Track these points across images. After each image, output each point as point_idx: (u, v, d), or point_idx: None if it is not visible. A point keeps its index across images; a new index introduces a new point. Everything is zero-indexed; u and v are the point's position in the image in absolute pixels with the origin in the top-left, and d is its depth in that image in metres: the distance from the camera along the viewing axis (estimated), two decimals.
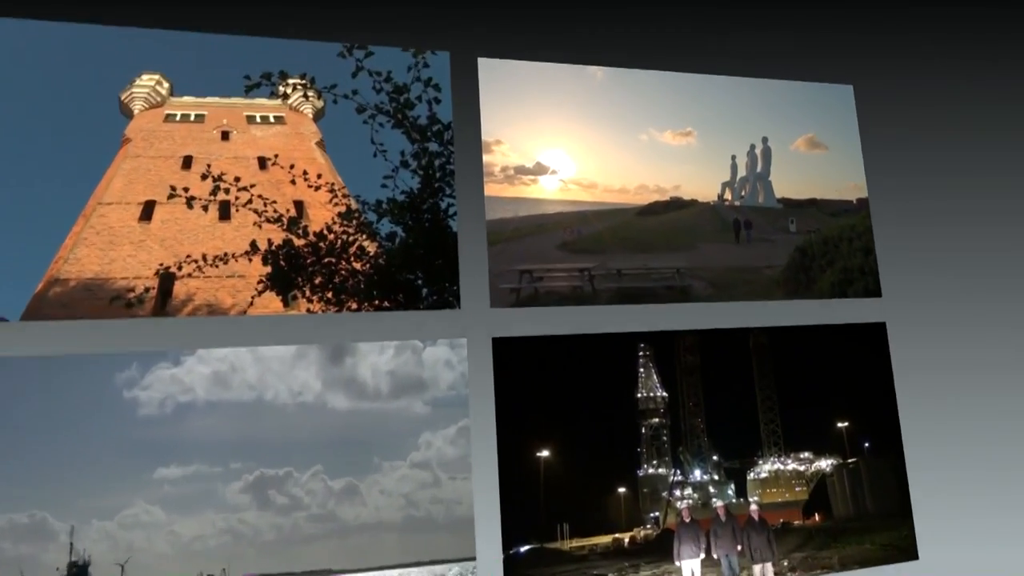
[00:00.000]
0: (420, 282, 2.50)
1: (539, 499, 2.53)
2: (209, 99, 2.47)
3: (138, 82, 2.41)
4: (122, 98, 2.38)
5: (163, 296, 2.30)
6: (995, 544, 2.82)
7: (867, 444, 2.88)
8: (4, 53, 2.18)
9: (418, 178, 2.55)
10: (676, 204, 2.60)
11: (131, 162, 2.42)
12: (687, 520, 2.62)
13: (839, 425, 2.85)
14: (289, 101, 2.43)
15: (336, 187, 2.51)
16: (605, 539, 2.54)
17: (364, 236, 2.47)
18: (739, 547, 2.64)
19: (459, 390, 2.41)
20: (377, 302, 2.43)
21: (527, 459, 2.49)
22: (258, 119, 2.51)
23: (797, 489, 2.50)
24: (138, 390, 2.20)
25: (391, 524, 2.31)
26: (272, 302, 2.41)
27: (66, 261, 2.27)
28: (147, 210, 2.39)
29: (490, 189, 2.39)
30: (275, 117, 2.53)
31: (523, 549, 2.41)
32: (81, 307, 2.24)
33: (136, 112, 2.42)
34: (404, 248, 2.49)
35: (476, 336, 2.53)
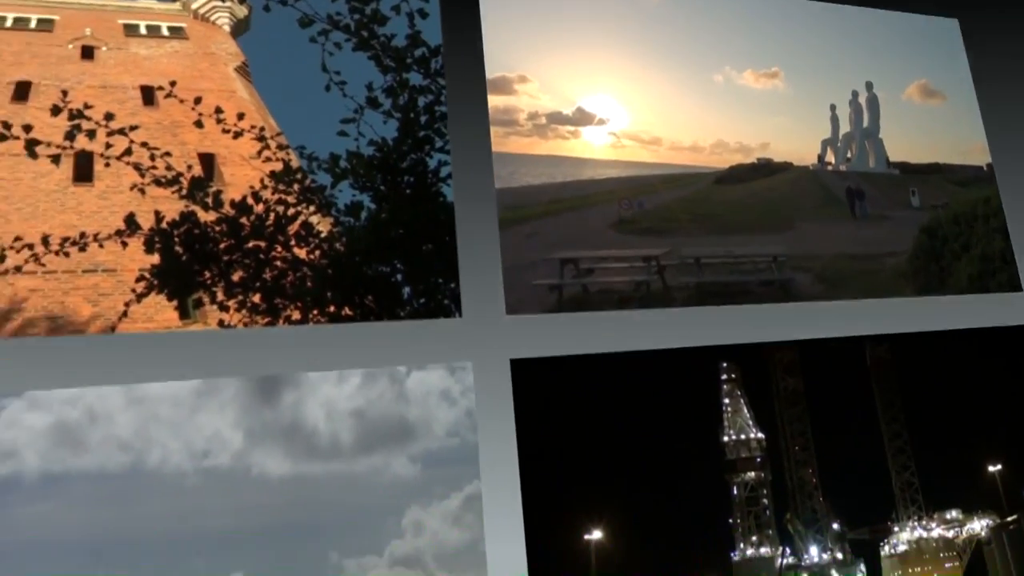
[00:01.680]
0: (400, 277, 1.41)
1: None
2: None
3: None
4: None
5: None
6: None
7: None
8: None
9: (394, 123, 1.45)
10: (766, 168, 1.70)
11: None
12: None
13: (990, 469, 1.68)
14: (195, 5, 1.41)
15: (267, 134, 1.40)
16: None
17: (312, 208, 1.40)
18: None
19: (464, 437, 1.33)
20: (332, 308, 1.36)
21: (571, 544, 1.38)
22: (143, 30, 1.40)
23: (948, 566, 1.63)
24: None
25: None
26: (161, 311, 1.29)
27: None
28: None
29: (513, 144, 1.52)
30: (171, 28, 1.42)
31: None
32: None
33: None
34: (375, 225, 1.40)
35: (486, 358, 1.41)
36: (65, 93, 1.21)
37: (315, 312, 1.21)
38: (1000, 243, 1.68)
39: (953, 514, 1.52)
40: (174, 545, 1.14)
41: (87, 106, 1.21)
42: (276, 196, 1.25)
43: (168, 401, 1.15)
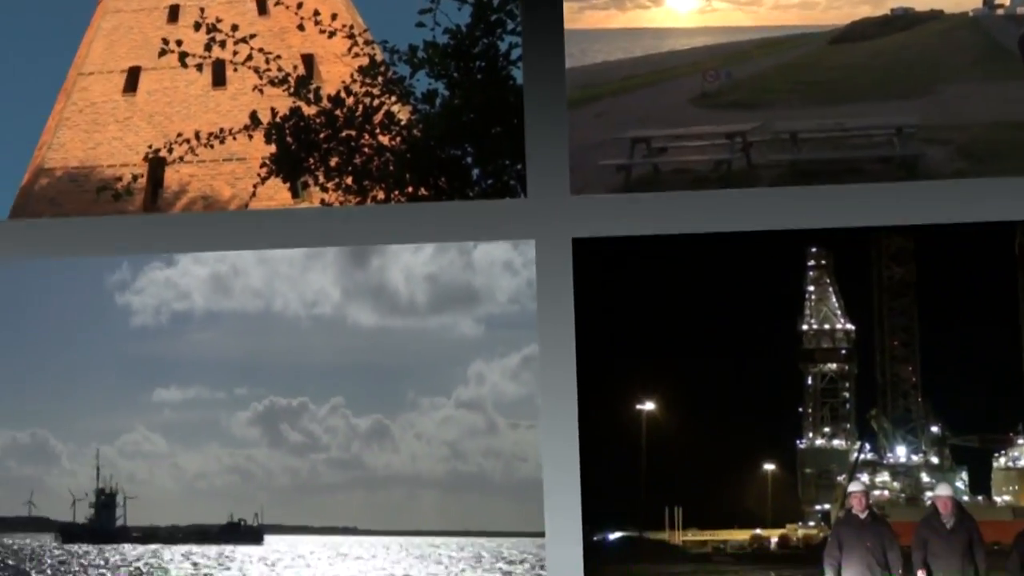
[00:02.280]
0: (470, 160, 1.41)
1: (639, 469, 1.37)
2: None
3: None
4: None
5: (153, 187, 1.46)
6: None
7: None
8: None
9: (468, 9, 1.38)
10: (902, 20, 1.31)
11: (111, 19, 1.41)
12: (861, 515, 1.30)
13: None
14: None
15: (355, 31, 1.47)
16: (740, 535, 1.34)
17: (393, 98, 1.44)
18: None
19: (524, 304, 1.31)
20: (411, 189, 1.39)
21: (623, 412, 1.37)
22: None
23: None
24: (131, 294, 1.40)
25: (431, 479, 1.36)
26: (279, 192, 1.47)
27: (50, 147, 1.43)
28: (132, 79, 1.46)
29: (585, 19, 1.34)
30: None
31: (614, 536, 1.35)
32: (69, 201, 1.41)
33: None
34: (448, 112, 1.40)
35: (549, 236, 1.32)
36: (202, 11, 1.35)
37: (396, 193, 1.29)
38: None
39: None
40: (292, 371, 1.35)
41: (218, 20, 1.35)
42: (364, 89, 1.32)
43: (286, 262, 1.33)
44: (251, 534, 1.33)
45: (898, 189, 1.21)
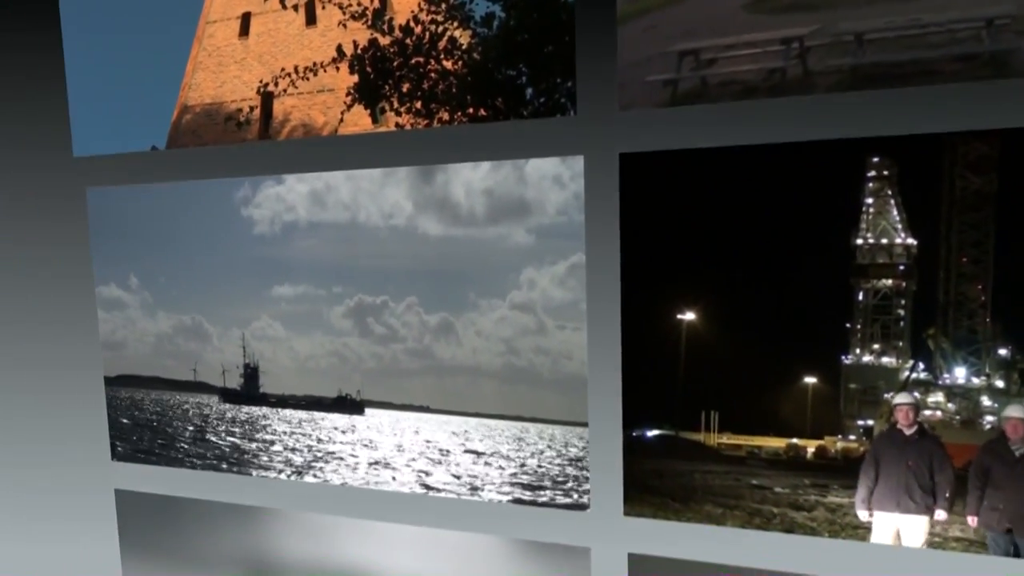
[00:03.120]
0: (524, 80, 1.31)
1: (678, 374, 1.26)
2: None
3: None
4: None
5: (266, 118, 1.51)
6: None
7: None
8: None
9: None
10: None
11: None
12: (908, 431, 1.11)
13: None
14: None
15: None
16: (775, 442, 1.21)
17: (456, 24, 1.36)
18: None
19: (571, 216, 1.29)
20: (471, 110, 1.35)
21: (664, 319, 1.26)
22: None
23: None
24: (252, 208, 1.54)
25: (489, 370, 1.40)
26: (362, 118, 1.45)
27: (190, 88, 1.57)
28: (244, 23, 1.52)
29: None
30: None
31: (651, 433, 1.28)
32: (206, 132, 1.56)
33: None
34: (504, 33, 1.30)
35: (597, 152, 1.28)
36: None
37: (459, 114, 1.25)
38: None
39: None
40: (375, 273, 1.49)
41: None
42: (429, 17, 1.27)
43: (367, 179, 1.40)
44: (355, 406, 1.44)
45: (982, 88, 0.95)
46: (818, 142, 1.11)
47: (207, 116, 1.55)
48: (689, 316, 1.22)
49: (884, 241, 1.13)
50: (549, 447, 1.37)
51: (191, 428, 1.55)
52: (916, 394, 1.15)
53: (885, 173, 1.09)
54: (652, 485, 1.30)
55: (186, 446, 1.54)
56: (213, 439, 1.53)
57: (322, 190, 1.48)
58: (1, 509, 1.74)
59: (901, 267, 1.12)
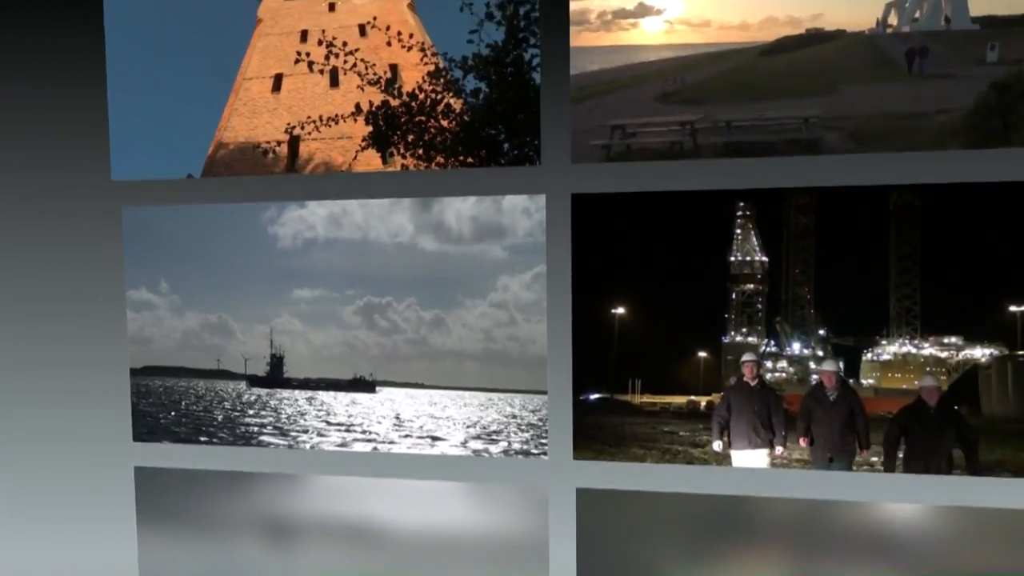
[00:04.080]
0: (502, 137, 1.73)
1: (611, 353, 1.71)
2: None
3: None
4: None
5: (292, 156, 1.83)
6: None
7: None
8: None
9: (503, 29, 1.69)
10: (814, 38, 1.58)
11: (263, 40, 1.86)
12: (752, 383, 1.54)
13: (1012, 309, 1.50)
14: None
15: (426, 46, 1.79)
16: (679, 399, 1.66)
17: (451, 94, 1.77)
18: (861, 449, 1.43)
19: (536, 237, 1.71)
20: (462, 157, 1.76)
21: (602, 313, 1.70)
22: None
23: (929, 381, 1.57)
24: (277, 226, 1.85)
25: (472, 353, 1.79)
26: (373, 159, 1.82)
27: (225, 129, 1.88)
28: (277, 82, 1.87)
29: (583, 39, 1.66)
30: None
31: (593, 396, 1.69)
32: (238, 165, 1.87)
33: None
34: (487, 103, 1.73)
35: (555, 192, 1.72)
36: (323, 32, 1.76)
37: (452, 160, 1.70)
38: None
39: (953, 340, 1.52)
40: (381, 279, 1.85)
41: (333, 39, 1.76)
42: (431, 87, 1.72)
43: (377, 206, 1.81)
44: (368, 385, 1.72)
45: (804, 161, 1.53)
46: (705, 192, 1.67)
47: (240, 152, 1.94)
48: (620, 311, 1.74)
49: (747, 259, 1.70)
50: (510, 406, 1.84)
51: (235, 410, 1.85)
52: (769, 363, 1.72)
53: (748, 213, 1.67)
54: (593, 435, 1.80)
55: (241, 421, 1.84)
56: (277, 411, 1.85)
57: (339, 213, 1.90)
58: (30, 489, 1.98)
59: (758, 276, 1.70)
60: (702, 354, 1.69)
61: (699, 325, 1.68)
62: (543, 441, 1.71)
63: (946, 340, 1.59)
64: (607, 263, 1.70)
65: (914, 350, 1.59)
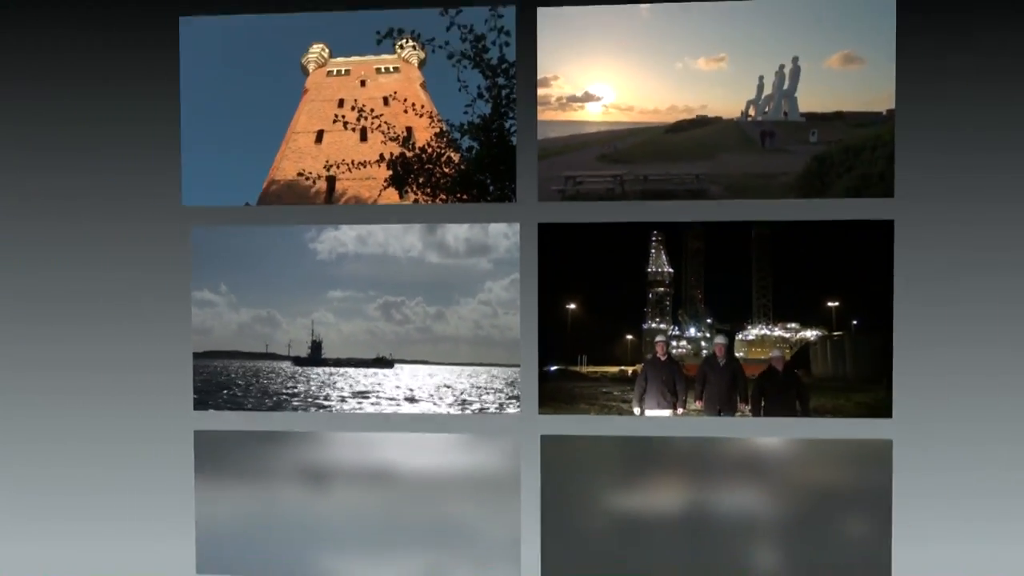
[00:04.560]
0: (488, 181, 2.38)
1: (566, 336, 2.33)
2: (353, 58, 2.47)
3: (311, 50, 2.45)
4: (302, 62, 2.46)
5: (329, 192, 2.42)
6: (972, 420, 2.03)
7: (855, 322, 2.21)
8: (235, 37, 2.35)
9: (489, 105, 2.35)
10: (701, 121, 2.31)
11: (309, 105, 2.48)
12: (662, 358, 2.11)
13: (829, 304, 2.24)
14: (403, 54, 2.48)
15: (433, 115, 2.45)
16: (613, 369, 2.30)
17: (451, 149, 2.41)
18: (745, 405, 1.97)
19: (513, 253, 2.30)
20: (459, 195, 2.40)
21: (560, 308, 2.33)
22: (383, 70, 2.49)
23: (776, 352, 2.33)
24: (316, 243, 2.38)
25: (465, 338, 2.35)
26: (392, 196, 2.44)
27: (277, 169, 2.43)
28: (319, 136, 2.46)
29: (546, 115, 2.31)
30: (393, 68, 2.48)
31: (552, 368, 2.28)
32: (287, 197, 2.43)
33: (310, 71, 2.48)
34: (478, 157, 2.37)
35: (526, 222, 2.36)
36: (356, 101, 2.43)
37: (451, 197, 2.39)
38: (881, 166, 2.20)
39: (793, 325, 2.30)
40: (397, 284, 2.38)
41: (363, 106, 2.43)
42: (436, 144, 2.40)
43: (395, 229, 2.40)
44: (387, 363, 2.12)
45: (696, 203, 2.32)
46: (630, 223, 2.44)
47: (289, 187, 2.60)
48: (572, 306, 2.50)
49: (659, 270, 2.49)
50: (490, 376, 2.53)
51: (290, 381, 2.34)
52: (674, 342, 2.50)
53: (659, 238, 2.45)
54: (552, 396, 2.53)
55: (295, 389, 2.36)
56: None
57: (365, 234, 2.57)
58: (107, 449, 2.32)
59: (666, 282, 2.48)
60: (629, 336, 2.45)
61: (629, 318, 2.45)
62: (514, 398, 2.44)
63: (789, 325, 2.36)
64: (563, 272, 2.44)
65: (768, 332, 2.40)
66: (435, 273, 2.31)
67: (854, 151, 2.22)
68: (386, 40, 2.33)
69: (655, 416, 1.99)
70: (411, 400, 2.36)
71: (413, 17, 2.32)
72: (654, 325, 2.31)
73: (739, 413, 1.95)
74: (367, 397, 2.33)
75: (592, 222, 2.22)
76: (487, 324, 2.18)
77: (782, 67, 2.26)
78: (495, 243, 2.34)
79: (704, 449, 1.96)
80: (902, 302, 2.10)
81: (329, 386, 2.35)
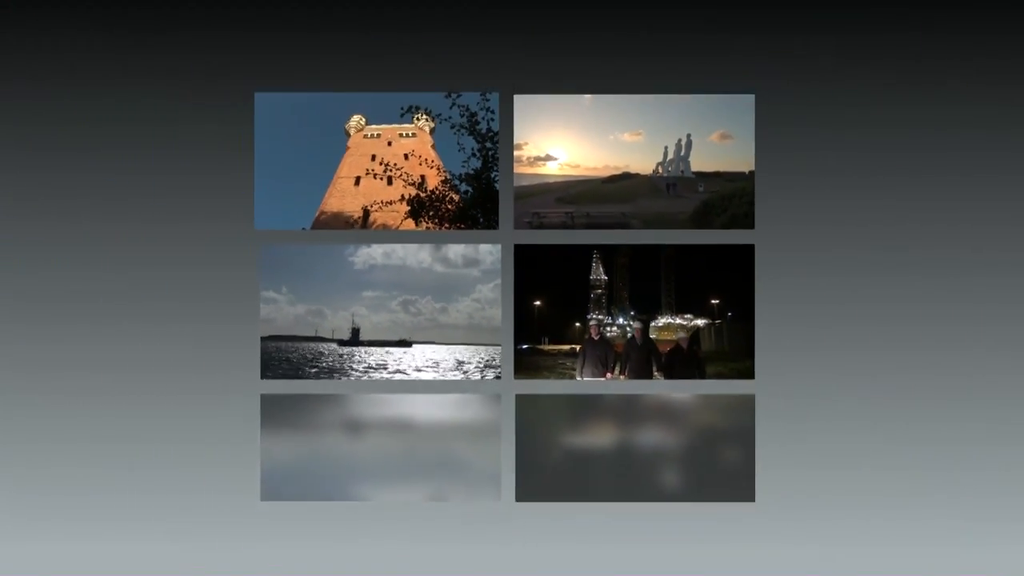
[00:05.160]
0: (479, 214, 2.99)
1: (534, 324, 2.85)
2: (383, 125, 3.18)
3: (352, 119, 3.13)
4: (345, 127, 3.12)
5: (364, 220, 2.98)
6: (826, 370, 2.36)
7: (730, 314, 2.83)
8: (300, 108, 2.86)
9: (480, 161, 2.98)
10: (625, 176, 3.02)
11: (350, 159, 3.13)
12: (595, 337, 2.48)
13: (713, 301, 2.85)
14: (419, 123, 2.73)
15: (440, 168, 3.16)
16: (566, 347, 2.78)
17: (453, 192, 3.08)
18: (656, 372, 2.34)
19: (496, 265, 2.81)
20: (458, 224, 3.02)
21: (529, 304, 2.84)
22: (404, 135, 3.29)
23: (680, 334, 2.60)
24: (353, 257, 2.88)
25: (461, 325, 2.84)
26: (410, 224, 3.00)
27: (325, 204, 3.02)
28: (357, 181, 3.10)
29: (520, 169, 3.00)
30: (412, 133, 3.27)
31: (524, 346, 2.75)
32: (332, 224, 3.00)
33: (351, 134, 3.19)
34: (472, 199, 3.00)
35: (506, 244, 2.98)
36: (383, 159, 3.07)
37: (453, 226, 3.04)
38: (745, 209, 2.94)
39: (688, 316, 3.02)
40: (413, 285, 3.03)
41: (389, 162, 3.08)
42: (443, 188, 3.07)
43: (413, 248, 3.01)
44: (406, 344, 2.53)
45: (623, 231, 3.05)
46: (578, 245, 3.15)
47: (335, 218, 3.23)
48: (538, 303, 3.19)
49: (597, 278, 3.20)
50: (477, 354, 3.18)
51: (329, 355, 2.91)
52: (599, 322, 3.21)
53: (598, 256, 3.17)
54: (524, 367, 3.12)
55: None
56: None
57: (389, 251, 3.20)
58: (190, 412, 2.71)
59: (602, 287, 3.21)
60: (577, 324, 3.14)
61: (575, 309, 3.16)
62: (496, 366, 3.10)
63: (686, 316, 3.12)
64: (532, 279, 3.12)
65: (672, 320, 3.13)
66: (440, 279, 2.50)
67: (728, 198, 2.89)
68: (407, 114, 2.92)
69: (594, 380, 2.31)
70: (428, 368, 2.89)
71: (426, 98, 2.93)
72: (594, 315, 3.03)
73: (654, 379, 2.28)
74: (387, 369, 2.85)
75: (552, 243, 2.46)
76: (478, 315, 2.49)
77: (679, 140, 2.91)
78: (483, 258, 2.51)
79: (629, 403, 2.33)
80: (761, 300, 2.71)
81: (364, 363, 2.92)
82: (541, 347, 2.52)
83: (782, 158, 2.94)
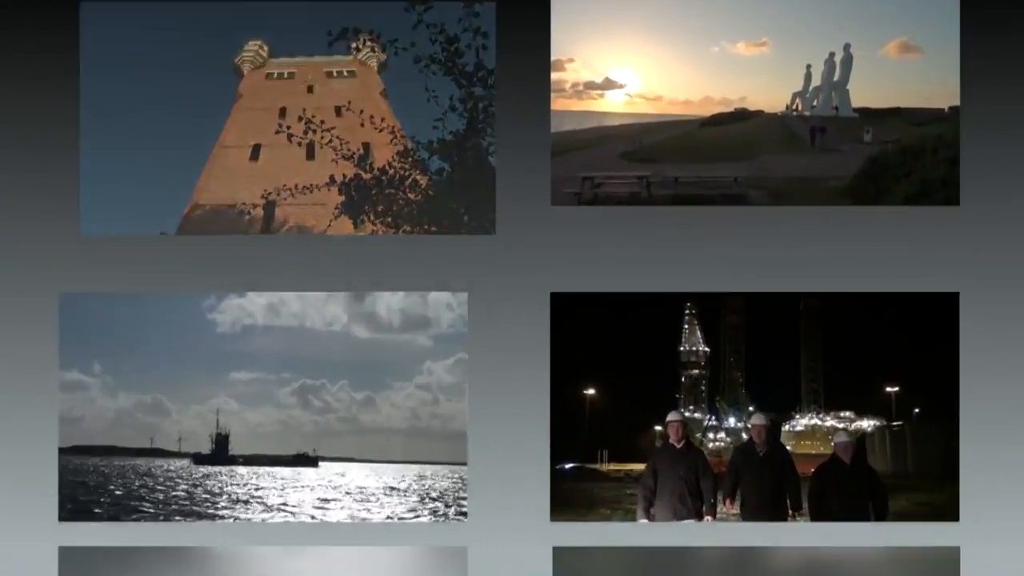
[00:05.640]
0: (462, 211, 1.65)
1: (583, 428, 1.68)
2: (299, 59, 1.85)
3: (246, 48, 1.83)
4: (235, 62, 1.83)
5: (267, 220, 1.75)
6: None
7: (916, 411, 1.65)
8: (156, 33, 1.72)
9: (464, 120, 1.68)
10: (741, 115, 1.70)
11: (242, 113, 1.83)
12: (677, 444, 1.40)
13: (888, 390, 1.67)
14: (359, 56, 1.81)
15: (395, 130, 1.77)
16: (639, 466, 1.59)
17: (417, 171, 1.73)
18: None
19: (458, 328, 1.63)
20: (426, 226, 1.69)
21: (573, 395, 1.65)
22: (335, 74, 1.86)
23: (841, 439, 1.56)
24: (216, 313, 1.75)
25: (398, 430, 1.72)
26: (345, 225, 1.74)
27: (202, 191, 1.78)
28: (255, 151, 1.82)
29: (558, 103, 1.64)
30: (348, 72, 1.85)
31: (568, 465, 1.62)
32: (212, 226, 1.75)
33: (245, 72, 1.85)
34: (449, 180, 1.69)
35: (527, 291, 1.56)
36: (303, 111, 1.62)
37: (417, 228, 1.72)
38: (943, 170, 1.59)
39: (847, 414, 1.71)
40: (316, 363, 1.73)
41: (311, 117, 1.62)
42: (400, 165, 1.62)
43: (314, 296, 1.69)
44: (310, 461, 1.65)
45: (732, 210, 1.60)
46: (665, 295, 1.57)
47: (216, 213, 1.78)
48: (591, 391, 1.68)
49: (693, 348, 1.70)
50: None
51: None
52: (711, 435, 1.63)
53: (693, 311, 1.74)
54: (566, 501, 1.56)
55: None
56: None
57: (276, 303, 1.76)
58: None
59: (702, 364, 1.69)
60: (658, 428, 1.68)
61: (657, 405, 1.74)
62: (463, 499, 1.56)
63: (843, 415, 1.70)
64: (581, 344, 1.65)
65: (820, 422, 1.70)
66: (363, 350, 1.71)
67: (913, 153, 1.64)
68: (339, 40, 1.69)
69: (672, 524, 1.38)
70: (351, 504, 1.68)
71: (373, 12, 1.71)
72: (687, 414, 1.61)
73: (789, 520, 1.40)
74: (274, 507, 1.68)
75: (613, 291, 1.52)
76: (426, 412, 1.69)
77: (832, 55, 1.70)
78: (436, 315, 1.72)
79: (742, 561, 1.36)
80: (970, 386, 1.45)
81: (236, 495, 1.72)
82: (596, 467, 1.67)
83: (1008, 86, 1.50)
